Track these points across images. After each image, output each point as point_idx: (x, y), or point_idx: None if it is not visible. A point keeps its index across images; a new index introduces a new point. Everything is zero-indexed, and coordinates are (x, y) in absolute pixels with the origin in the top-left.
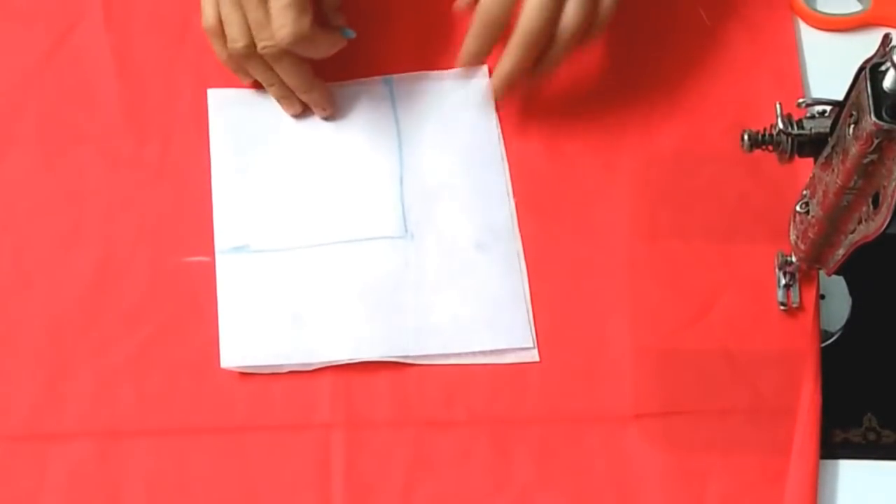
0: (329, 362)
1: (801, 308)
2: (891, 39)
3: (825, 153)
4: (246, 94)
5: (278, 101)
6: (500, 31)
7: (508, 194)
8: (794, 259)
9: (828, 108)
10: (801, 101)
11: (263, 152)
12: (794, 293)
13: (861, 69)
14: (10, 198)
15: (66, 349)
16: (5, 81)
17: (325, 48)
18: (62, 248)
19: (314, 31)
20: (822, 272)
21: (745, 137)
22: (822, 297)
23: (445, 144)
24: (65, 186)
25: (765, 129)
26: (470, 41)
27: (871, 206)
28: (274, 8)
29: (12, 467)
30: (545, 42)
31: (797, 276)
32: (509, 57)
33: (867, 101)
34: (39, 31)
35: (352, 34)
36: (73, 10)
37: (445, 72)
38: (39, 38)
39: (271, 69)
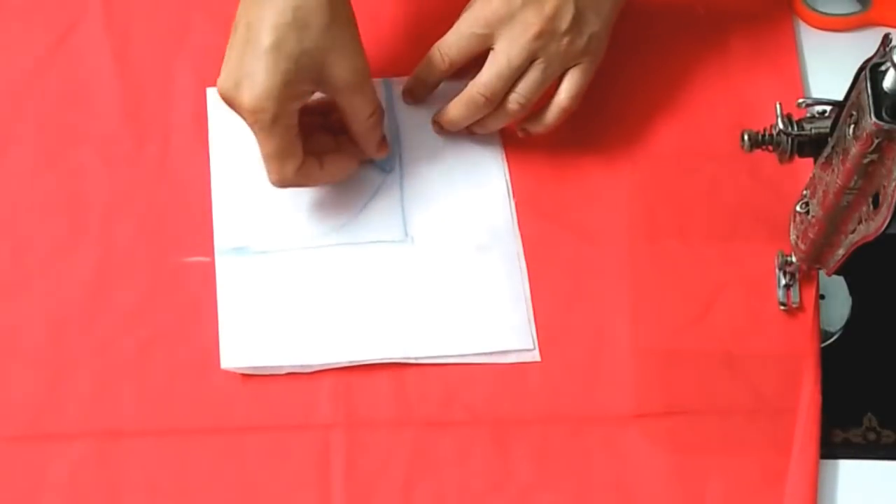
0: (329, 365)
1: (801, 308)
2: (891, 39)
3: (825, 153)
4: None
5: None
6: (490, 108)
7: (508, 195)
8: (794, 259)
9: (828, 108)
10: (801, 101)
11: None
12: (794, 293)
13: (861, 69)
14: (9, 198)
15: (66, 349)
16: (5, 81)
17: (332, 177)
18: (62, 248)
19: (307, 172)
20: (822, 272)
21: (745, 137)
22: (822, 297)
23: (445, 147)
24: (65, 186)
25: (765, 129)
26: (455, 109)
27: (871, 206)
28: (262, 156)
29: (12, 467)
30: (491, 108)
31: (797, 276)
32: (454, 109)
33: (867, 101)
34: (39, 31)
35: (389, 169)
36: (73, 10)
37: None
38: (39, 38)
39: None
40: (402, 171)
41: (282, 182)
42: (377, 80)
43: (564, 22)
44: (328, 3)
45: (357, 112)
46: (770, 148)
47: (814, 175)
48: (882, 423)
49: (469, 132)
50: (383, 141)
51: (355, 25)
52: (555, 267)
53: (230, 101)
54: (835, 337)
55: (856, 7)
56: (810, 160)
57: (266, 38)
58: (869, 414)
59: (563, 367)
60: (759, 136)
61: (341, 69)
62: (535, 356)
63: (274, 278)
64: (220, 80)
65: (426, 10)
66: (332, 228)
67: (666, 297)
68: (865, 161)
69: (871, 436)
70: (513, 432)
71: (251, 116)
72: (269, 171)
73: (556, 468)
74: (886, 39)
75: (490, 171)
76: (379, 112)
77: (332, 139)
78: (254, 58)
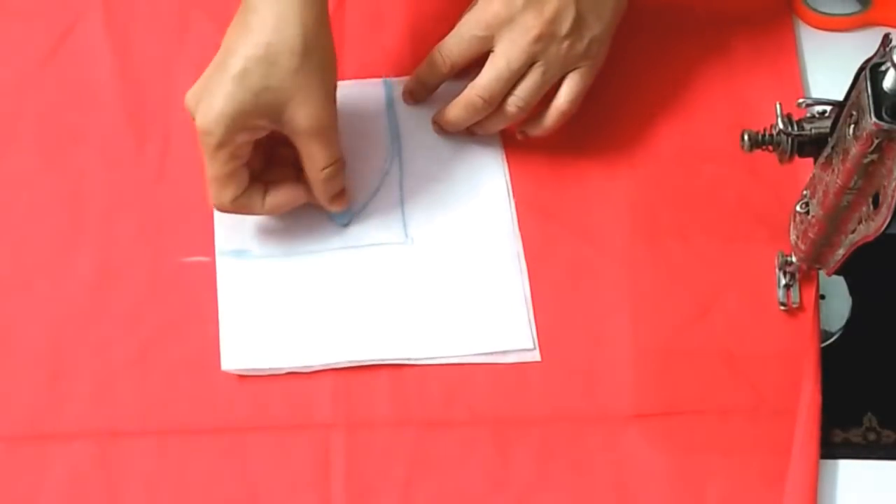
0: (330, 365)
1: (801, 308)
2: (891, 39)
3: (825, 153)
4: None
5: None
6: (488, 110)
7: (508, 195)
8: (794, 259)
9: (828, 108)
10: (801, 101)
11: None
12: (794, 293)
13: (861, 69)
14: (9, 198)
15: (66, 349)
16: (5, 81)
17: (273, 211)
18: (62, 248)
19: (246, 203)
20: (822, 272)
21: (745, 137)
22: (822, 297)
23: (445, 147)
24: (65, 186)
25: (765, 129)
26: (453, 111)
27: (871, 206)
28: (207, 177)
29: (12, 467)
30: (489, 110)
31: (797, 276)
32: (452, 111)
33: (867, 101)
34: (39, 31)
35: (343, 224)
36: (73, 10)
37: None
38: (39, 38)
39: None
40: (402, 171)
41: (219, 207)
42: (377, 80)
43: (565, 26)
44: (302, 47)
45: (312, 160)
46: (770, 148)
47: (814, 175)
48: (882, 423)
49: (469, 133)
50: (341, 195)
51: (331, 73)
52: (555, 267)
53: (191, 115)
54: (835, 337)
55: (856, 7)
56: (810, 160)
57: (235, 65)
58: (869, 414)
59: (563, 367)
60: (759, 136)
61: (302, 114)
62: (535, 356)
63: (274, 280)
64: (187, 93)
65: (427, 11)
66: (332, 231)
67: (666, 297)
68: (865, 161)
69: (871, 436)
70: (513, 432)
71: (200, 136)
72: (209, 193)
73: (556, 468)
74: (886, 39)
75: (490, 172)
76: (338, 165)
77: (295, 174)
78: (219, 81)
